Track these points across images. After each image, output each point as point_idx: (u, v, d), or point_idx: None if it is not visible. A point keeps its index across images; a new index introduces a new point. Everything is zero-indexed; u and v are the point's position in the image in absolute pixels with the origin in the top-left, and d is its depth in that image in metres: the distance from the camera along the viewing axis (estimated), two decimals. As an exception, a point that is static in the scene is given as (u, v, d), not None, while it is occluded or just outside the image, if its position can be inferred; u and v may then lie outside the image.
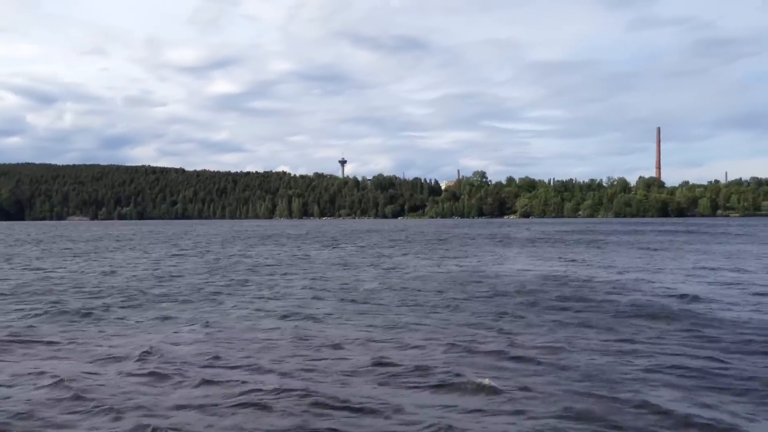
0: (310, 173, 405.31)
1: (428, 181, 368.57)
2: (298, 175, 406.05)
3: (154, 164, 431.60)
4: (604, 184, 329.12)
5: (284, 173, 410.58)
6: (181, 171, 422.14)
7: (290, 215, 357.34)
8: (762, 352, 14.96)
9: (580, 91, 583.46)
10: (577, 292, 25.59)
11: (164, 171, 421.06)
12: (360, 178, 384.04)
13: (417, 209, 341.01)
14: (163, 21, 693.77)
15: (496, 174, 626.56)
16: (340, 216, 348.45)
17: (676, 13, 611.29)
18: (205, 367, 13.36)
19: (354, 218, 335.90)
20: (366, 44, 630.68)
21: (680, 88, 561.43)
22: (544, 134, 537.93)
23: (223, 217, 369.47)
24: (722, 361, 13.98)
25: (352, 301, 23.71)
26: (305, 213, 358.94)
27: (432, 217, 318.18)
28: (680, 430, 9.79)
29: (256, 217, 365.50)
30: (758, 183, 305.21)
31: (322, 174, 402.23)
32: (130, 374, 12.82)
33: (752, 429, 9.74)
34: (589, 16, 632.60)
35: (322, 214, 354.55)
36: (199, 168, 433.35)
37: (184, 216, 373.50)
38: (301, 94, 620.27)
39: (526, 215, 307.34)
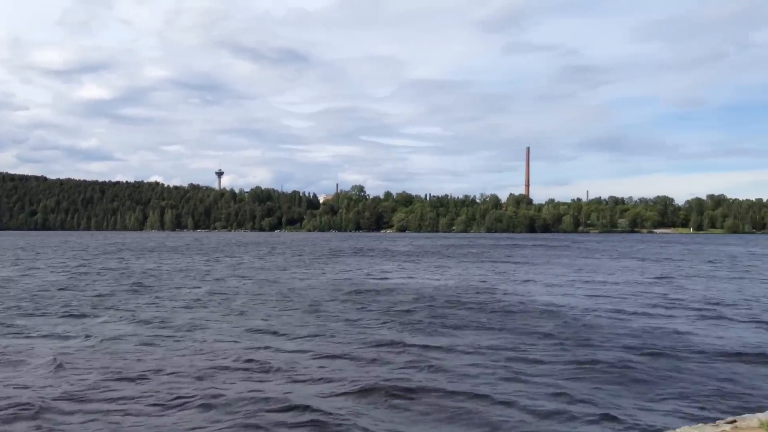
0: (185, 184, 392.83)
1: (307, 194, 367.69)
2: (171, 185, 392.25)
3: (12, 171, 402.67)
4: (478, 201, 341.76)
5: (157, 184, 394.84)
6: (43, 179, 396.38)
7: (162, 227, 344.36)
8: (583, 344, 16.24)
9: (456, 110, 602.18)
10: (461, 298, 26.75)
11: (23, 179, 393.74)
12: (237, 191, 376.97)
13: (294, 222, 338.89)
14: (29, 21, 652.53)
15: (375, 188, 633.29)
16: (215, 228, 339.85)
17: (546, 40, 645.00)
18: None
19: (230, 231, 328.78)
20: (246, 55, 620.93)
21: (549, 111, 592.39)
22: (421, 150, 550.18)
23: (88, 228, 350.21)
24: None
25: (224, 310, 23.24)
26: (178, 225, 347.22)
27: (309, 231, 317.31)
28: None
29: (125, 228, 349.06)
30: (615, 202, 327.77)
31: (198, 185, 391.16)
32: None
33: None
34: (466, 38, 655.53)
35: (196, 227, 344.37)
36: (63, 176, 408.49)
37: (44, 227, 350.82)
38: (178, 103, 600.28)
39: (402, 229, 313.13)
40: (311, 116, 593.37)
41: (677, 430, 7.38)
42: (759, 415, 7.48)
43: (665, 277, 44.12)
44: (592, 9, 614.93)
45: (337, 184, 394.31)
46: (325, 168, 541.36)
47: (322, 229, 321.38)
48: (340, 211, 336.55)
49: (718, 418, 7.80)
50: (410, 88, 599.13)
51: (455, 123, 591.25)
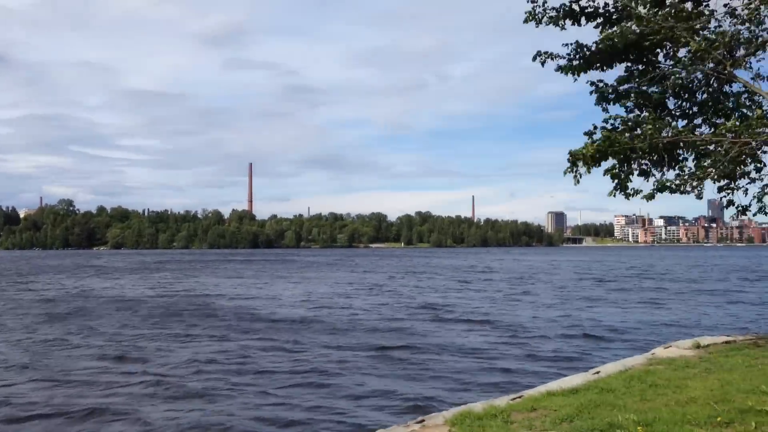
0: None
1: (6, 208, 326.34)
2: None
3: None
4: (200, 216, 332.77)
5: None
6: None
7: None
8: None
9: (176, 122, 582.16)
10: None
11: None
12: None
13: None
14: None
15: (87, 203, 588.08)
16: None
17: (267, 58, 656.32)
18: None
19: None
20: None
21: (271, 128, 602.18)
22: (139, 164, 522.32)
23: None
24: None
25: None
26: None
27: (8, 249, 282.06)
28: None
29: None
30: (335, 218, 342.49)
31: None
32: None
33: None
34: (185, 50, 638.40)
35: None
36: None
37: None
38: None
39: (118, 246, 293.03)
40: (11, 122, 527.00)
41: (372, 435, 7.37)
42: (444, 413, 7.75)
43: (390, 286, 47.03)
44: (311, 33, 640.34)
45: (42, 198, 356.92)
46: (27, 180, 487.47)
47: (23, 247, 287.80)
48: (46, 227, 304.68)
49: (436, 411, 8.00)
50: (125, 98, 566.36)
51: (175, 136, 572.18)
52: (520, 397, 8.70)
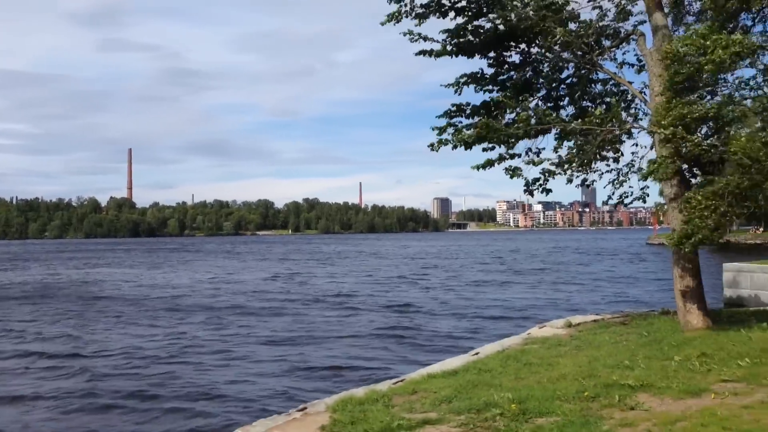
0: None
1: None
2: None
3: None
4: (74, 204, 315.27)
5: None
6: None
7: None
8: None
9: (47, 106, 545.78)
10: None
11: None
12: None
13: None
14: None
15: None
16: None
17: (146, 39, 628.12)
18: None
19: None
20: None
21: (151, 113, 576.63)
22: (6, 149, 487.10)
23: None
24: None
25: None
26: None
27: None
28: None
29: None
30: (220, 205, 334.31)
31: None
32: None
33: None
34: (57, 30, 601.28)
35: None
36: None
37: None
38: None
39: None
40: None
41: (253, 424, 7.26)
42: (326, 400, 7.74)
43: (286, 274, 46.64)
44: (193, 15, 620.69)
45: None
46: None
47: None
48: None
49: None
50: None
51: (46, 120, 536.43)
52: (402, 380, 8.84)
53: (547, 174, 12.14)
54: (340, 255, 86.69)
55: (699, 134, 10.66)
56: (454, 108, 12.78)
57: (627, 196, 12.62)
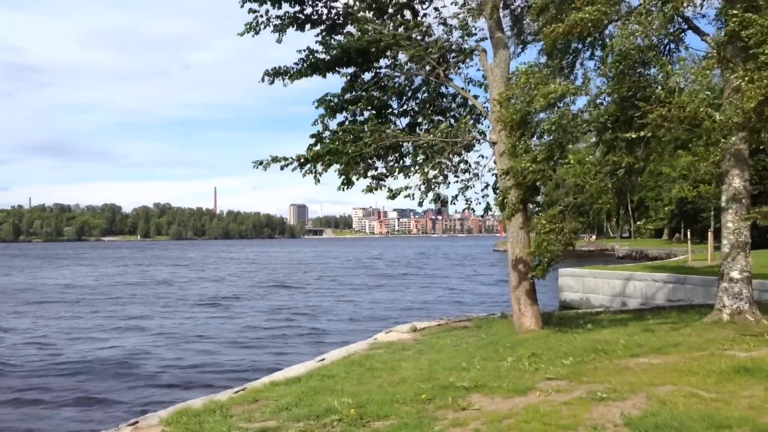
0: None
1: None
2: None
3: None
4: None
5: None
6: None
7: None
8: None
9: None
10: None
11: None
12: None
13: None
14: None
15: None
16: None
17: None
18: None
19: None
20: None
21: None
22: None
23: None
24: None
25: None
26: None
27: None
28: None
29: None
30: (61, 209, 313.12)
31: None
32: None
33: None
34: None
35: None
36: None
37: None
38: None
39: None
40: None
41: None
42: (161, 412, 7.42)
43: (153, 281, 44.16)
44: (37, 6, 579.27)
45: None
46: None
47: None
48: None
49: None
50: None
51: None
52: (243, 389, 8.66)
53: (427, 185, 12.44)
54: (185, 260, 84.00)
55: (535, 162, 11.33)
56: (313, 138, 12.81)
57: (475, 203, 13.13)
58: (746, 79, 9.67)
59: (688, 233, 44.64)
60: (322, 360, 10.57)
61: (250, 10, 12.28)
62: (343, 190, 12.83)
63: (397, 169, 12.83)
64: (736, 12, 10.11)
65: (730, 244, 11.72)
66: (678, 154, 26.42)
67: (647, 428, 5.50)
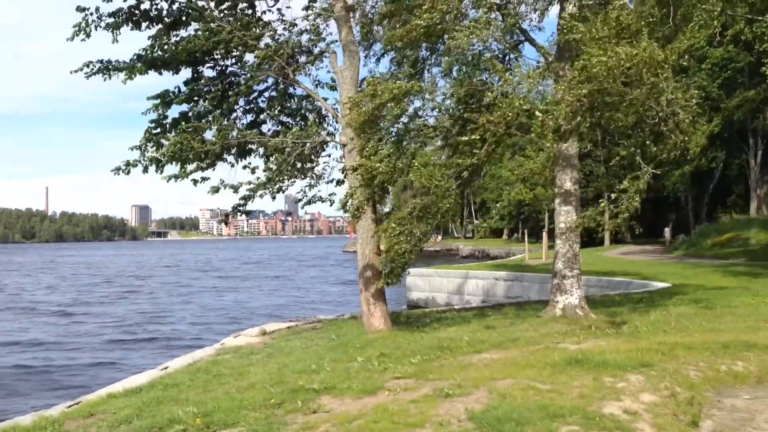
0: None
1: None
2: None
3: None
4: None
5: None
6: None
7: None
8: None
9: None
10: None
11: None
12: None
13: None
14: None
15: None
16: None
17: None
18: None
19: None
20: None
21: None
22: None
23: None
24: None
25: None
26: None
27: None
28: None
29: None
30: None
31: None
32: None
33: None
34: None
35: None
36: None
37: None
38: None
39: None
40: None
41: None
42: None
43: None
44: None
45: None
46: None
47: None
48: None
49: None
50: None
51: None
52: (77, 403, 8.09)
53: (253, 192, 12.16)
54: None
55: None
56: (153, 124, 12.24)
57: (316, 201, 13.06)
58: (565, 85, 10.32)
59: (526, 233, 47.59)
60: (166, 368, 10.12)
61: (79, 8, 11.34)
62: (173, 180, 12.19)
63: (249, 170, 12.59)
64: (565, 17, 10.94)
65: (561, 243, 12.55)
66: (516, 157, 28.11)
67: (489, 421, 5.72)
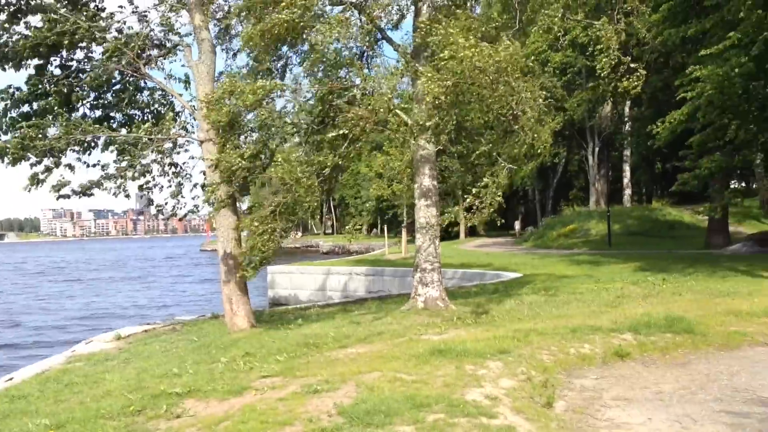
0: None
1: None
2: None
3: None
4: None
5: None
6: None
7: None
8: None
9: None
10: None
11: None
12: None
13: None
14: None
15: None
16: None
17: None
18: None
19: None
20: None
21: None
22: None
23: None
24: None
25: None
26: None
27: None
28: None
29: None
30: None
31: None
32: None
33: None
34: None
35: None
36: None
37: None
38: None
39: None
40: None
41: None
42: None
43: None
44: None
45: None
46: None
47: None
48: None
49: None
50: None
51: None
52: None
53: (93, 185, 11.61)
54: None
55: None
56: None
57: (181, 208, 12.72)
58: (427, 78, 10.60)
59: (386, 228, 48.49)
60: (11, 379, 9.40)
61: None
62: (29, 191, 11.63)
63: (99, 166, 11.97)
64: (422, 22, 11.27)
65: (422, 237, 12.93)
66: (374, 154, 28.59)
67: (358, 415, 5.81)
